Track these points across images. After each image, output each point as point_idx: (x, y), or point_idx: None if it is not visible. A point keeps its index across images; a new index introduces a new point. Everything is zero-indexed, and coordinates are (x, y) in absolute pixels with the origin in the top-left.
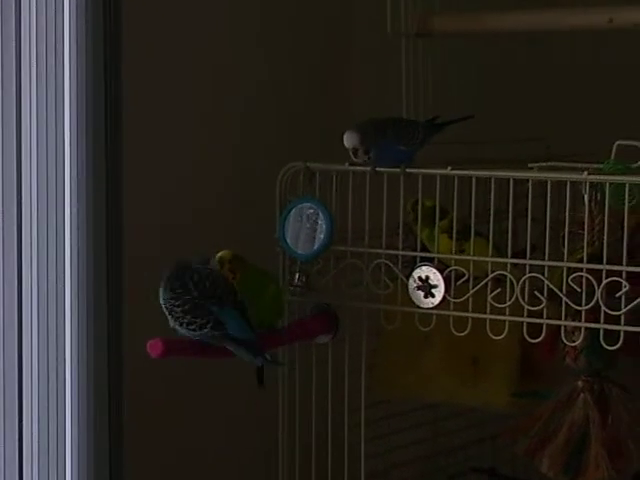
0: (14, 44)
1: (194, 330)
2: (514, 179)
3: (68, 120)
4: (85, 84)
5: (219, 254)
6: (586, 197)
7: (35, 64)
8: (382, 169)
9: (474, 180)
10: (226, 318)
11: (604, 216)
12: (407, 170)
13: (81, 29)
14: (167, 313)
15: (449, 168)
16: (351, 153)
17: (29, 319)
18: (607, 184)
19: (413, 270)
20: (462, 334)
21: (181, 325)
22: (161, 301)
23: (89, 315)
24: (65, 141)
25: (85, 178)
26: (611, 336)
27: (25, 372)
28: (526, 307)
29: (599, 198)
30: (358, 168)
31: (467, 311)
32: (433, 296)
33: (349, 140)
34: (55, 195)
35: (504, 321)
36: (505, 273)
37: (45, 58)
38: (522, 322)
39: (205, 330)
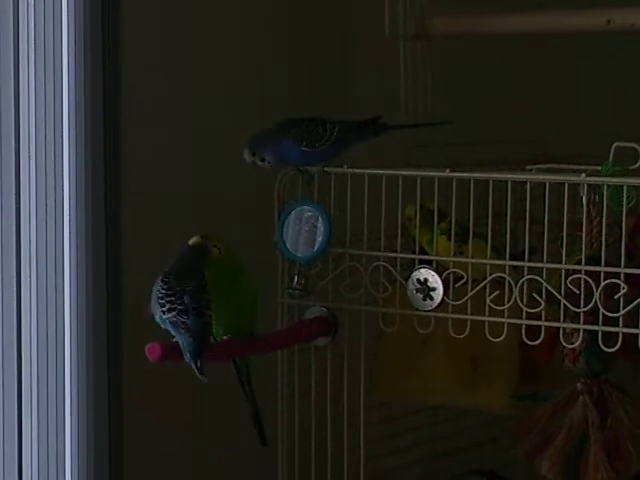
0: (12, 45)
1: (163, 313)
2: (512, 181)
3: (67, 120)
4: (84, 88)
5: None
6: (584, 199)
7: (34, 64)
8: (358, 170)
9: (472, 182)
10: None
11: (602, 218)
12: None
13: (79, 33)
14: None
15: (447, 170)
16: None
17: (28, 325)
18: (605, 186)
19: (412, 273)
20: (461, 336)
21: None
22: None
23: (88, 311)
24: (64, 142)
25: (84, 191)
26: (610, 338)
27: (25, 377)
28: (525, 309)
29: (597, 200)
30: (357, 170)
31: (466, 313)
32: (432, 299)
33: (245, 158)
34: (54, 198)
35: (503, 323)
36: (504, 275)
37: (44, 58)
38: (521, 324)
39: (171, 314)
